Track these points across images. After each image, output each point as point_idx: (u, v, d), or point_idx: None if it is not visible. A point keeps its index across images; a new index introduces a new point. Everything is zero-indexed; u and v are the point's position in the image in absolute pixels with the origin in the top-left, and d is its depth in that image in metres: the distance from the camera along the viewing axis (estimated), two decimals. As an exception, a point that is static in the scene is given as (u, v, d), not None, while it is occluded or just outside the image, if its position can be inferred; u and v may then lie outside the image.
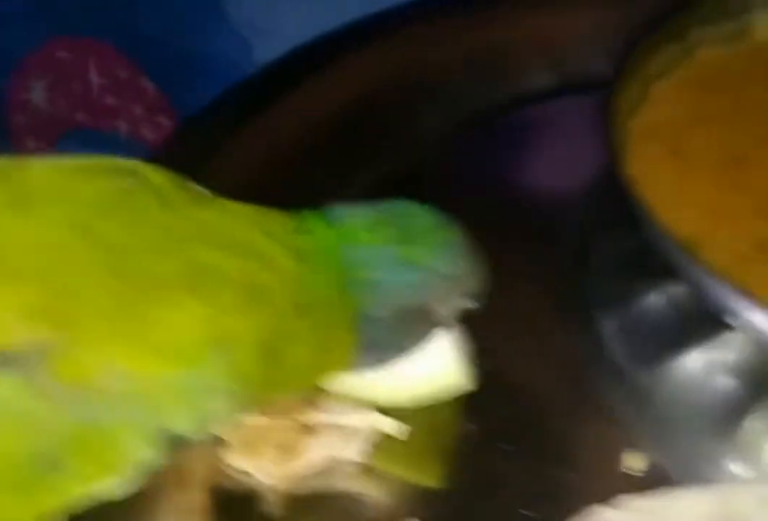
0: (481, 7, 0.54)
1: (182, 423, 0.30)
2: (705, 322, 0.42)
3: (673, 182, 0.47)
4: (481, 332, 0.40)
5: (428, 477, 0.39)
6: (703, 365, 0.44)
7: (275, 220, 0.34)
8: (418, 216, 0.36)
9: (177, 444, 0.30)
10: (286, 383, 0.34)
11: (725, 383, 0.43)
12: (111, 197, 0.31)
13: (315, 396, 0.40)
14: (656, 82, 0.50)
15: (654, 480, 0.39)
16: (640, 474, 0.39)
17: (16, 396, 0.29)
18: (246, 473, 0.38)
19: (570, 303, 0.46)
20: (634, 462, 0.40)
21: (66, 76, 0.81)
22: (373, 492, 0.39)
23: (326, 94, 0.48)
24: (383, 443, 0.39)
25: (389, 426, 0.39)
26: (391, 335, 0.35)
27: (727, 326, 0.40)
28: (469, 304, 0.37)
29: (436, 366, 0.38)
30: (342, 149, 0.47)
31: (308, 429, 0.39)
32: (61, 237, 0.30)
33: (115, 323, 0.29)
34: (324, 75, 0.49)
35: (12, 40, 0.78)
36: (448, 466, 0.40)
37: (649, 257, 0.41)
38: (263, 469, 0.38)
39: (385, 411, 0.39)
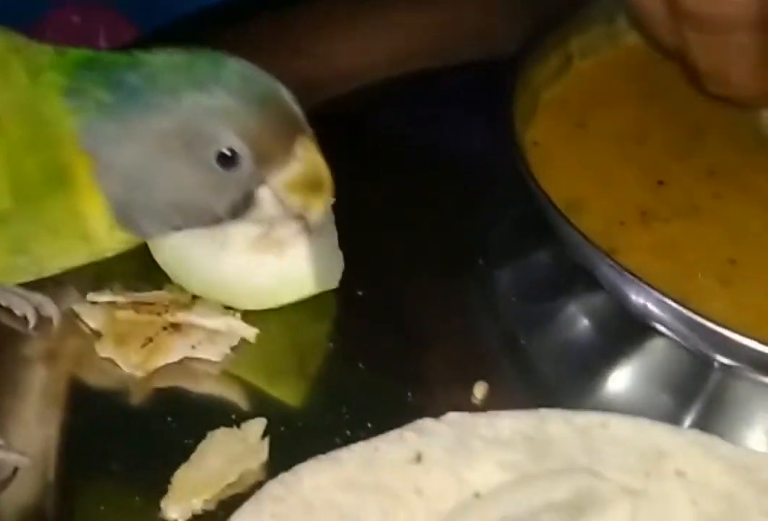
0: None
1: None
2: (578, 279, 0.45)
3: (571, 151, 0.49)
4: (362, 255, 0.43)
5: (281, 388, 0.42)
6: (570, 317, 0.46)
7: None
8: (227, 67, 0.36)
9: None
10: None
11: (586, 335, 0.46)
12: None
13: (185, 298, 0.43)
14: (577, 60, 0.52)
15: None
16: (479, 402, 0.41)
17: None
18: (111, 361, 0.42)
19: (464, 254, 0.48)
20: (478, 391, 0.42)
21: (76, 41, 0.86)
22: (225, 394, 0.42)
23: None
24: (244, 348, 0.42)
25: (246, 330, 0.42)
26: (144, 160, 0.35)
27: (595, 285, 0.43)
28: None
29: (297, 267, 0.41)
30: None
31: (176, 328, 0.42)
32: None
33: None
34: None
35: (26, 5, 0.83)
36: (302, 379, 0.43)
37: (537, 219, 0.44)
38: (128, 360, 0.41)
39: (247, 314, 0.42)
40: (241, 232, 0.42)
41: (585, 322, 0.46)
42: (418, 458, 0.38)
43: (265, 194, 0.37)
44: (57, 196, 0.35)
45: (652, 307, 0.41)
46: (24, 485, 0.38)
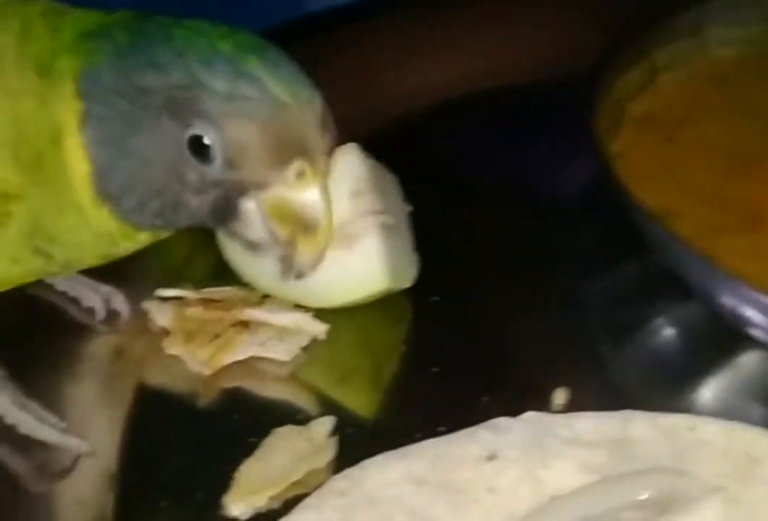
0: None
1: None
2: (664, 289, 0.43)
3: (658, 163, 0.48)
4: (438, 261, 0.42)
5: (351, 390, 0.41)
6: (656, 326, 0.44)
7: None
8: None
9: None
10: None
11: (674, 343, 0.44)
12: None
13: (255, 296, 0.42)
14: (663, 73, 0.51)
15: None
16: (559, 409, 0.39)
17: None
18: (178, 359, 0.41)
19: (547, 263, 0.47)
20: (558, 398, 0.40)
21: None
22: (293, 393, 0.40)
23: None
24: (314, 349, 0.41)
25: (316, 327, 0.41)
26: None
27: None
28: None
29: (369, 263, 0.40)
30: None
31: (245, 326, 0.41)
32: None
33: None
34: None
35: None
36: (373, 382, 0.41)
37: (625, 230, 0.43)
38: (196, 357, 0.41)
39: (318, 316, 0.41)
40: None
41: (672, 331, 0.44)
42: (492, 456, 0.36)
43: (250, 209, 0.33)
44: (52, 157, 0.34)
45: (753, 312, 0.38)
46: (84, 476, 0.37)
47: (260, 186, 0.33)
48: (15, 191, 0.34)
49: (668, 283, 0.43)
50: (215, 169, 0.32)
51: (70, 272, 0.40)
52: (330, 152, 0.34)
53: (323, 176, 0.33)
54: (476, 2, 0.57)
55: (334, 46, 0.54)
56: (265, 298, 0.42)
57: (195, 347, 0.41)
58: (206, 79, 0.31)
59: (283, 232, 0.34)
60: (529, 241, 0.47)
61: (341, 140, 0.42)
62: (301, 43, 0.52)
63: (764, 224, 0.43)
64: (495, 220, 0.48)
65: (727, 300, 0.40)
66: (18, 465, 0.37)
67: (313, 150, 0.33)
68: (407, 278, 0.43)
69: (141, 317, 0.42)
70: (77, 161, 0.33)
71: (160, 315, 0.42)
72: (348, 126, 0.45)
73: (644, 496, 0.33)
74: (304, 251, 0.34)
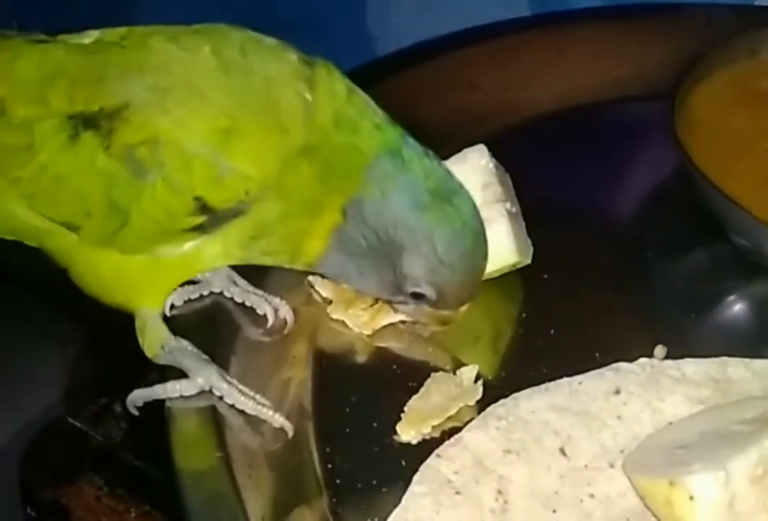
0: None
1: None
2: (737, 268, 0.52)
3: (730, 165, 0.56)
4: (546, 244, 0.51)
5: (485, 347, 0.49)
6: (732, 299, 0.52)
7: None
8: None
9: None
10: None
11: (748, 313, 0.52)
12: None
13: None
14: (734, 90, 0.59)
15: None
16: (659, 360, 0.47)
17: (94, 153, 0.40)
18: (342, 323, 0.49)
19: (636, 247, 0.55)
20: (658, 353, 0.48)
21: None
22: (439, 350, 0.49)
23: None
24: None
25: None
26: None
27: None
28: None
29: (494, 244, 0.48)
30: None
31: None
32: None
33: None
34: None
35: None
36: (500, 342, 0.49)
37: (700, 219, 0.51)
38: (357, 320, 0.49)
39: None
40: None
41: (745, 302, 0.52)
42: (617, 391, 0.44)
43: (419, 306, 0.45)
44: (305, 218, 0.42)
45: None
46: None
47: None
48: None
49: (738, 262, 0.51)
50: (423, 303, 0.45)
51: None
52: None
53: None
54: (565, 29, 0.66)
55: (450, 69, 0.63)
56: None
57: (355, 313, 0.49)
58: (422, 259, 0.43)
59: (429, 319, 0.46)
60: (621, 229, 0.55)
61: (469, 140, 0.52)
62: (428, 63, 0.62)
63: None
64: (591, 212, 0.56)
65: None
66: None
67: (475, 295, 0.45)
68: (528, 255, 0.51)
69: (307, 290, 0.50)
70: (315, 248, 0.43)
71: (323, 287, 0.50)
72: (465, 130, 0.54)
73: (749, 415, 0.41)
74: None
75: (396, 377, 0.47)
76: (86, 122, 0.40)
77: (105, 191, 0.41)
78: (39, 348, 0.77)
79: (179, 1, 1.01)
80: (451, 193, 0.43)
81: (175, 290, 0.46)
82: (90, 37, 0.43)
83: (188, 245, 0.42)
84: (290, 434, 0.42)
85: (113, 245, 0.42)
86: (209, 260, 0.43)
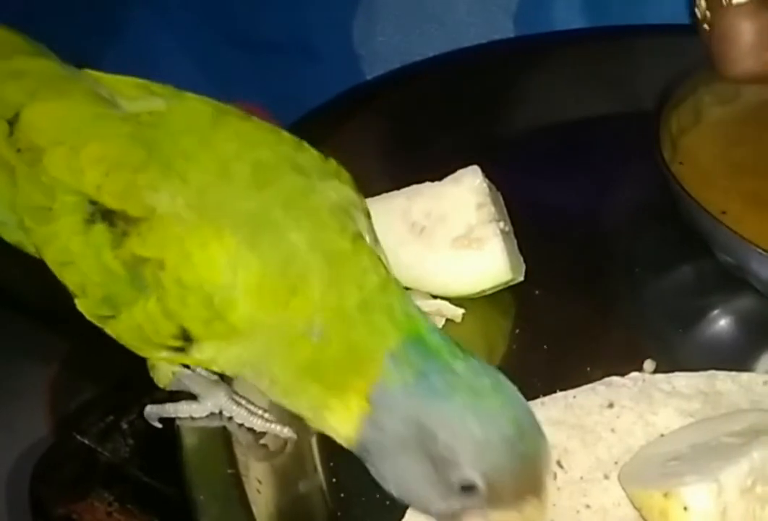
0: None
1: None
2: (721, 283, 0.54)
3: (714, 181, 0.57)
4: (537, 262, 0.52)
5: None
6: (717, 314, 0.54)
7: None
8: None
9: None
10: None
11: (732, 327, 0.54)
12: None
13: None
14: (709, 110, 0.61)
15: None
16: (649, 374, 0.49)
17: (103, 246, 0.39)
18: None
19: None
20: (647, 367, 0.50)
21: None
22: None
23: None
24: (447, 331, 0.51)
25: (452, 311, 0.51)
26: None
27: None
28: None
29: (488, 262, 0.50)
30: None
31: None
32: None
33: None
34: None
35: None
36: (494, 357, 0.51)
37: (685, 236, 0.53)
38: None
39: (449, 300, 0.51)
40: (443, 233, 0.51)
41: (729, 316, 0.54)
42: (611, 405, 0.46)
43: None
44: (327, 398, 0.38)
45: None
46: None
47: (500, 509, 0.37)
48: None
49: (723, 278, 0.53)
50: (474, 499, 0.36)
51: None
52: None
53: (543, 505, 0.37)
54: (551, 49, 0.68)
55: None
56: (408, 290, 0.52)
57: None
58: (468, 436, 0.36)
59: None
60: (609, 246, 0.57)
61: (465, 161, 0.53)
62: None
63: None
64: (579, 229, 0.58)
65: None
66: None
67: (542, 488, 0.37)
68: (521, 273, 0.52)
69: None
70: (346, 431, 0.38)
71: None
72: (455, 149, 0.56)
73: (738, 428, 0.43)
74: None
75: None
76: (104, 214, 0.39)
77: (103, 283, 0.40)
78: (23, 364, 0.78)
79: (169, 24, 1.02)
80: (482, 378, 0.37)
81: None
82: (144, 101, 0.42)
83: (166, 354, 0.41)
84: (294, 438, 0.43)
85: (105, 325, 0.41)
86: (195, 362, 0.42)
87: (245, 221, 0.38)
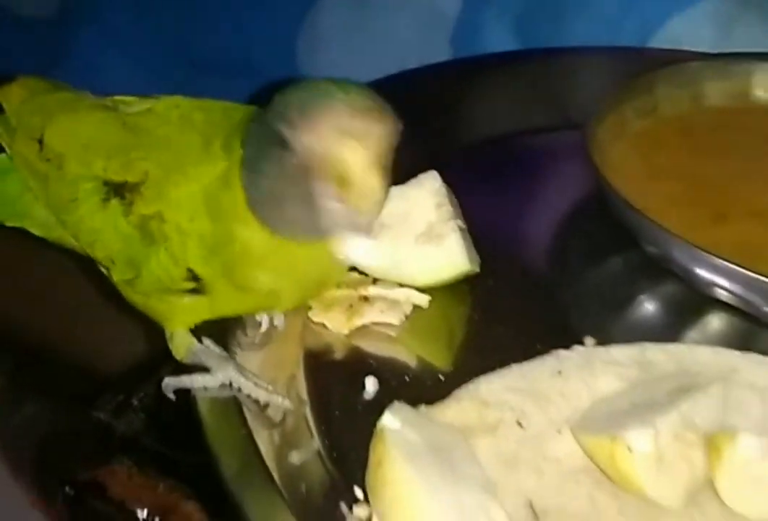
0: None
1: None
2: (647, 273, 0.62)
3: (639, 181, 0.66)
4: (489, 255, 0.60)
5: (442, 344, 0.58)
6: (643, 299, 0.62)
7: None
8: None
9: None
10: None
11: (658, 310, 0.62)
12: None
13: (368, 280, 0.58)
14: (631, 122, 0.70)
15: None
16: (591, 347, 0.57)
17: (118, 218, 0.48)
18: (323, 325, 0.57)
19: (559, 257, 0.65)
20: (588, 342, 0.57)
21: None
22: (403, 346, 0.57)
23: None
24: (414, 317, 0.58)
25: (419, 298, 0.58)
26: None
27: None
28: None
29: (448, 255, 0.57)
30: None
31: (366, 299, 0.58)
32: None
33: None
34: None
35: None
36: (455, 339, 0.58)
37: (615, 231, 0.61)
38: (336, 323, 0.57)
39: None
40: (407, 230, 0.58)
41: (655, 300, 0.62)
42: (559, 372, 0.53)
43: (326, 198, 0.42)
44: (226, 198, 0.46)
45: (719, 276, 0.56)
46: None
47: (327, 163, 0.41)
48: (211, 243, 0.47)
49: (649, 267, 0.62)
50: (298, 156, 0.42)
51: (296, 303, 0.53)
52: (385, 138, 0.42)
53: (376, 153, 0.41)
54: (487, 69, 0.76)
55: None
56: (376, 281, 0.59)
57: (334, 315, 0.57)
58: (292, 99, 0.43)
59: (350, 203, 0.42)
60: (549, 241, 0.65)
61: (422, 167, 0.60)
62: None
63: (735, 221, 0.62)
64: (523, 227, 0.66)
65: (703, 273, 0.58)
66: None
67: (362, 134, 0.41)
68: (477, 265, 0.60)
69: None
70: (239, 192, 0.46)
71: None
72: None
73: (669, 387, 0.51)
74: (364, 212, 0.42)
75: (371, 370, 0.55)
76: (115, 190, 0.49)
77: (123, 249, 0.49)
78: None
79: (125, 45, 1.08)
80: None
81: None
82: (139, 105, 0.52)
83: (188, 299, 0.50)
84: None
85: (134, 288, 0.50)
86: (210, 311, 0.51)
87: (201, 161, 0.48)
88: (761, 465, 0.46)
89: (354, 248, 0.43)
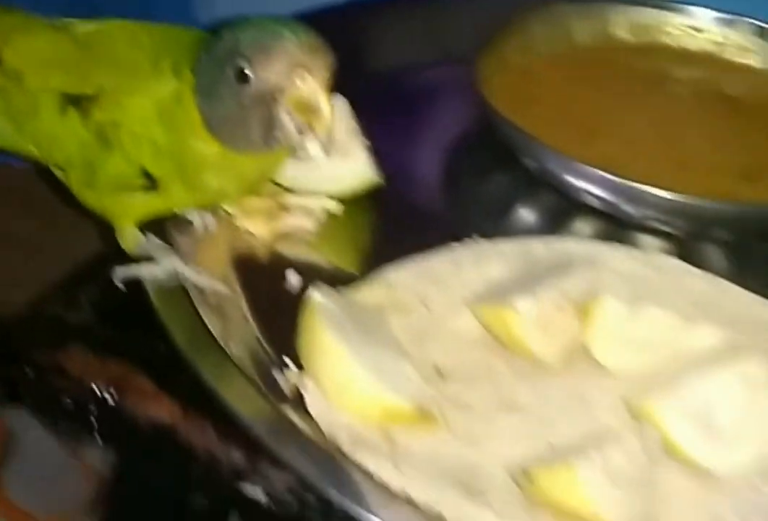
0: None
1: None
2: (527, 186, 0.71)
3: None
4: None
5: (350, 249, 0.66)
6: (523, 208, 0.72)
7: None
8: None
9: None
10: None
11: (534, 217, 0.71)
12: None
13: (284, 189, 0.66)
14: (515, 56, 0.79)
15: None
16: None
17: (76, 124, 0.55)
18: (249, 232, 0.64)
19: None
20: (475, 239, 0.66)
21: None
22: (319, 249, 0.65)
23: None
24: (327, 223, 0.66)
25: (333, 205, 0.66)
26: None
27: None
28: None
29: (357, 167, 0.66)
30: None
31: (284, 206, 0.65)
32: None
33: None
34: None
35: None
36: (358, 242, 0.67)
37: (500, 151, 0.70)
38: (258, 228, 0.64)
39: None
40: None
41: (535, 208, 0.72)
42: (455, 262, 0.62)
43: (284, 119, 0.51)
44: (181, 116, 0.54)
45: (589, 183, 0.66)
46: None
47: (282, 91, 0.50)
48: (165, 149, 0.54)
49: (529, 180, 0.71)
50: (252, 86, 0.50)
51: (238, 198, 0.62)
52: (327, 68, 0.51)
53: (321, 81, 0.50)
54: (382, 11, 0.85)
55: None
56: (292, 191, 0.67)
57: (256, 222, 0.65)
58: (237, 43, 0.51)
59: (302, 121, 0.51)
60: (443, 162, 0.74)
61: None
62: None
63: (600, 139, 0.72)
64: (418, 150, 0.74)
65: (574, 181, 0.67)
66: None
67: (310, 66, 0.49)
68: (380, 177, 0.68)
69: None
70: (193, 112, 0.53)
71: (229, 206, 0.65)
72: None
73: (545, 267, 0.60)
74: (318, 127, 0.51)
75: (292, 266, 0.62)
76: (73, 101, 0.55)
77: (81, 152, 0.56)
78: None
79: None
80: None
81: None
82: (84, 26, 0.58)
83: (141, 197, 0.57)
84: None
85: (90, 188, 0.57)
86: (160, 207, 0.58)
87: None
88: (624, 325, 0.56)
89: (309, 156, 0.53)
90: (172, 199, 0.57)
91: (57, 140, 0.56)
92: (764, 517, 0.50)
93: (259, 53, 0.50)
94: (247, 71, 0.50)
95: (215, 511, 0.57)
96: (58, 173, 0.59)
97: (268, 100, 0.51)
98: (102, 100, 0.55)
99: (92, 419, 0.56)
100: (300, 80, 0.50)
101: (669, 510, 0.49)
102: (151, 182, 0.56)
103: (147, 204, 0.57)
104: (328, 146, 0.53)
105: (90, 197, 0.58)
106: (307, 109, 0.50)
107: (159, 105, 0.54)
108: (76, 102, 0.55)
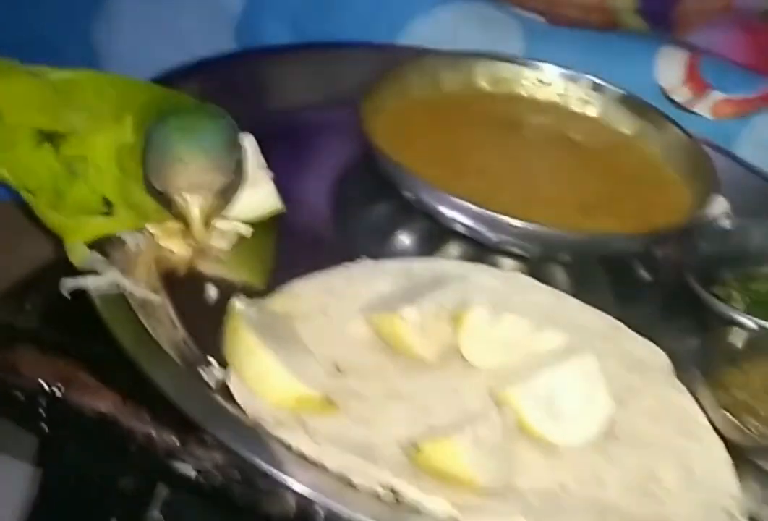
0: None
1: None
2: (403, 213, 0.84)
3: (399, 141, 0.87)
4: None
5: (259, 265, 0.77)
6: (401, 234, 0.84)
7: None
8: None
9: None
10: None
11: (409, 241, 0.84)
12: None
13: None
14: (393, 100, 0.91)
15: (375, 266, 0.78)
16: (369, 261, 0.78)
17: (49, 157, 0.65)
18: (170, 250, 0.75)
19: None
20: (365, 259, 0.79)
21: None
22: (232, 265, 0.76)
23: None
24: (239, 244, 0.77)
25: (244, 228, 0.77)
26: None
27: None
28: None
29: (265, 196, 0.77)
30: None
31: (202, 230, 0.76)
32: None
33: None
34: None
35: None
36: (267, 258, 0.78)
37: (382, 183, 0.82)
38: (178, 247, 0.75)
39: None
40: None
41: (412, 234, 0.84)
42: (347, 278, 0.74)
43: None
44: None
45: (458, 212, 0.79)
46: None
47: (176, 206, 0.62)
48: (119, 182, 0.66)
49: (406, 209, 0.83)
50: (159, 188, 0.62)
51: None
52: (211, 189, 0.62)
53: (203, 200, 0.61)
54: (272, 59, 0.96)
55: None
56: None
57: (176, 241, 0.75)
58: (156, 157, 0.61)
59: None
60: (330, 191, 0.86)
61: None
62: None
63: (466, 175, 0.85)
64: (313, 182, 0.86)
65: (445, 210, 0.80)
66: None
67: (196, 187, 0.61)
68: (283, 206, 0.80)
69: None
70: (139, 167, 0.63)
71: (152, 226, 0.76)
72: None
73: (428, 285, 0.72)
74: (193, 238, 0.64)
75: (210, 280, 0.73)
76: (47, 137, 0.65)
77: (51, 180, 0.66)
78: None
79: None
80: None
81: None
82: (54, 73, 0.68)
83: (101, 219, 0.68)
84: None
85: (55, 210, 0.68)
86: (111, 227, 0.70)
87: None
88: (488, 330, 0.69)
89: None
90: (122, 222, 0.68)
91: (31, 168, 0.66)
92: (597, 482, 0.64)
93: (162, 172, 0.61)
94: (151, 180, 0.62)
95: (142, 489, 0.68)
96: (26, 195, 0.69)
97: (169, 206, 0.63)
98: (72, 138, 0.65)
99: (41, 410, 0.65)
100: (184, 202, 0.61)
101: (523, 475, 0.62)
102: (108, 208, 0.66)
103: (101, 226, 0.68)
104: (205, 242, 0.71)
105: (52, 218, 0.68)
106: (189, 226, 0.62)
107: (118, 149, 0.65)
108: (50, 138, 0.65)
